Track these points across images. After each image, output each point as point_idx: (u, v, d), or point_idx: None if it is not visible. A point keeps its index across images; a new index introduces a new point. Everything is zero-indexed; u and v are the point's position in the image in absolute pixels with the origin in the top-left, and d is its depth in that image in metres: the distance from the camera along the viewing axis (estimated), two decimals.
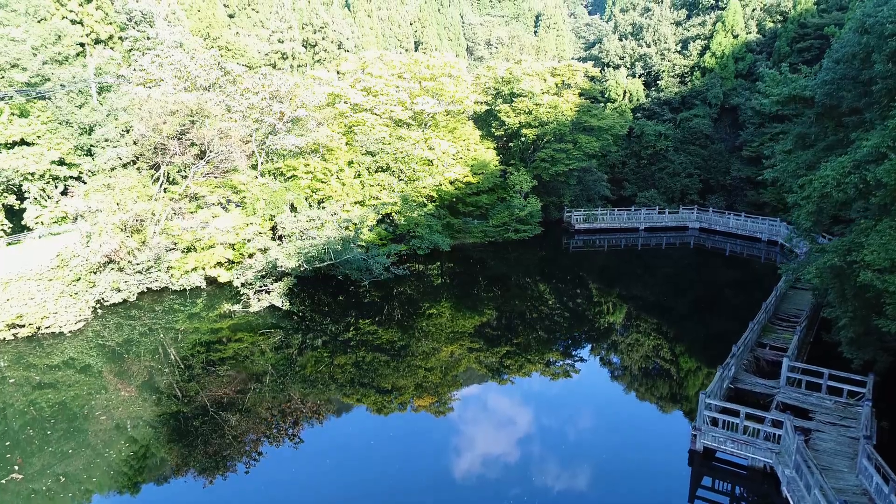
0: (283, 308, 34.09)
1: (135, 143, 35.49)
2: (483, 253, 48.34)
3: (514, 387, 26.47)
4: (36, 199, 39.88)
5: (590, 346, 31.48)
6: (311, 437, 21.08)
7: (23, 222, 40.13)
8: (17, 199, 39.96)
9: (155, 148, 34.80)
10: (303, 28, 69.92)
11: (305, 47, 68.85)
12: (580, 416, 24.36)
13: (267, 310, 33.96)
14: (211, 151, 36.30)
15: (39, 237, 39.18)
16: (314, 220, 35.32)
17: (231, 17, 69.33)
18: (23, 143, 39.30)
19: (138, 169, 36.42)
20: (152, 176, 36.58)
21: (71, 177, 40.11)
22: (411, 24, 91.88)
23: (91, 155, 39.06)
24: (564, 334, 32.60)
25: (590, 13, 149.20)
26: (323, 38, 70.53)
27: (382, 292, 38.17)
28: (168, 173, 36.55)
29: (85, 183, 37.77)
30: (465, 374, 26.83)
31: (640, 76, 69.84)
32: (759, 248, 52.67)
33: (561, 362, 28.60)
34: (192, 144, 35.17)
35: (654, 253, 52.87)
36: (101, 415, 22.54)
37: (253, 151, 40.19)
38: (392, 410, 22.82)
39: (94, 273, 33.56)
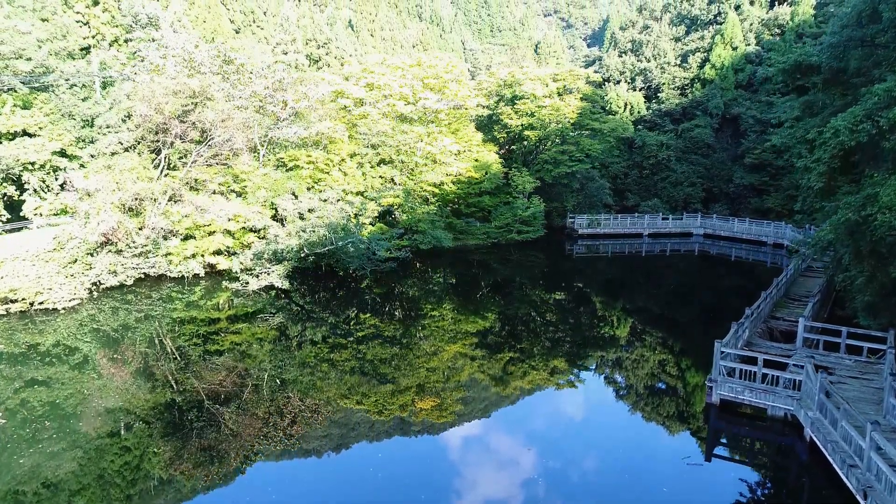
0: (283, 288, 33.35)
1: (137, 126, 35.31)
2: (485, 255, 47.59)
3: (519, 381, 24.46)
4: (35, 190, 39.59)
5: (594, 352, 28.63)
6: (308, 436, 19.12)
7: (21, 214, 39.77)
8: (16, 190, 39.71)
9: (157, 129, 34.58)
10: (306, 43, 70.84)
11: (309, 62, 69.59)
12: (588, 413, 22.77)
13: (266, 303, 32.96)
14: (212, 138, 36.10)
15: (38, 228, 38.75)
16: (314, 204, 34.84)
17: (237, 31, 70.31)
18: (24, 134, 39.26)
19: (139, 153, 36.17)
20: (153, 161, 36.31)
21: (72, 169, 39.90)
22: (414, 47, 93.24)
23: (93, 143, 38.94)
24: (568, 339, 30.25)
25: (588, 46, 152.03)
26: (326, 54, 71.40)
27: (384, 289, 37.35)
28: (168, 157, 36.28)
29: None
30: (469, 375, 24.76)
31: (640, 89, 70.39)
32: (765, 252, 51.99)
33: (565, 370, 26.30)
34: (194, 126, 34.97)
35: (658, 259, 51.98)
36: (91, 403, 20.87)
37: (255, 145, 40.05)
38: (393, 412, 20.88)
39: (91, 255, 32.94)
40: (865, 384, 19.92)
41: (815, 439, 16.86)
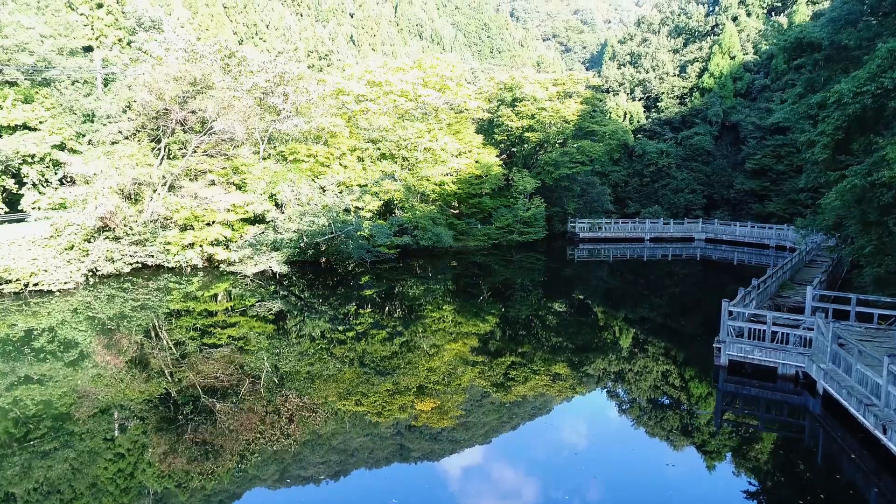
0: (282, 276, 32.86)
1: (137, 115, 35.32)
2: (486, 256, 47.08)
3: (522, 386, 22.77)
4: (35, 184, 39.45)
5: (595, 355, 26.46)
6: (307, 436, 17.85)
7: (19, 208, 39.58)
8: (15, 184, 39.58)
9: (157, 115, 34.54)
10: (308, 55, 71.52)
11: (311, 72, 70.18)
12: (590, 419, 21.92)
13: (265, 296, 32.34)
14: (213, 130, 36.07)
15: (36, 220, 38.49)
16: (314, 193, 34.65)
17: (240, 43, 71.02)
18: (25, 127, 39.29)
19: (139, 141, 36.11)
20: (153, 149, 36.23)
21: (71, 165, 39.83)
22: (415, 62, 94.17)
23: (94, 133, 38.96)
24: (570, 343, 28.07)
25: (587, 69, 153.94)
26: (328, 65, 72.04)
27: (384, 287, 36.78)
28: (168, 147, 36.18)
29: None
30: (470, 377, 23.61)
31: (639, 99, 70.87)
32: (768, 255, 51.44)
33: (567, 376, 24.75)
34: (194, 114, 34.95)
35: (660, 264, 51.18)
36: (85, 396, 19.96)
37: (256, 140, 40.02)
38: (392, 413, 19.68)
39: (88, 241, 32.60)
40: (877, 346, 19.40)
41: (828, 390, 16.34)
